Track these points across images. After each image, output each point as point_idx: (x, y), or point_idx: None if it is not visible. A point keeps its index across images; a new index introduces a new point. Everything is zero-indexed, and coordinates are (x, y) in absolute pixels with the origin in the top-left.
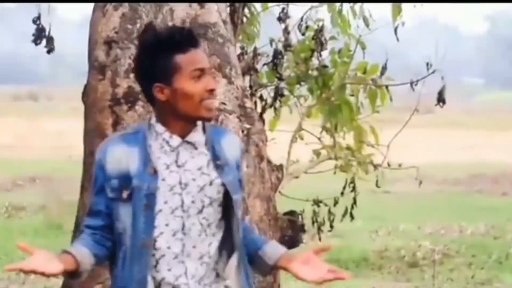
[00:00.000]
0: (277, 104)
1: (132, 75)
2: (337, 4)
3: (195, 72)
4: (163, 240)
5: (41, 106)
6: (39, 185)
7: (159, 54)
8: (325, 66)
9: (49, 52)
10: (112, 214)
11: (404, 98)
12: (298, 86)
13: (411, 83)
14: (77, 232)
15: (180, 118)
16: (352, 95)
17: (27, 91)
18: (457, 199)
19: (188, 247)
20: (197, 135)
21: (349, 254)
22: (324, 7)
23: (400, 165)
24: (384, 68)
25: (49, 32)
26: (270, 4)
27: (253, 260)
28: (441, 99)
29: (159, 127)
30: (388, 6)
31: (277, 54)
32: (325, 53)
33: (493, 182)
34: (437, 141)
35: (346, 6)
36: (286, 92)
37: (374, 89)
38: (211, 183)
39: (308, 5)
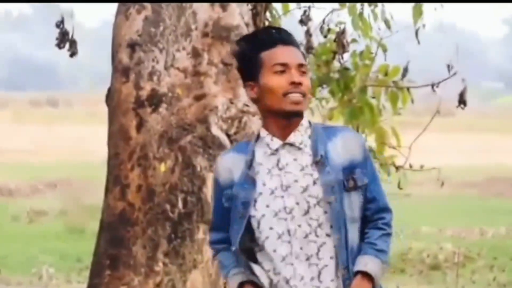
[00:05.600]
0: None
1: (155, 78)
2: (358, 7)
3: (277, 66)
4: (269, 244)
5: (60, 112)
6: (59, 190)
7: (248, 54)
8: (347, 69)
9: (72, 55)
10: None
11: (424, 101)
12: (319, 88)
13: (432, 85)
14: (101, 232)
15: (272, 115)
16: (373, 98)
17: (46, 97)
18: (475, 202)
19: (295, 249)
20: (299, 136)
21: None
22: (345, 10)
23: (422, 167)
24: (406, 71)
25: (72, 36)
26: (291, 7)
27: None
28: (462, 101)
29: (263, 131)
30: (409, 9)
31: None
32: (346, 56)
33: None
34: (456, 144)
35: (367, 9)
36: None
37: (395, 91)
38: (314, 183)
39: (329, 7)
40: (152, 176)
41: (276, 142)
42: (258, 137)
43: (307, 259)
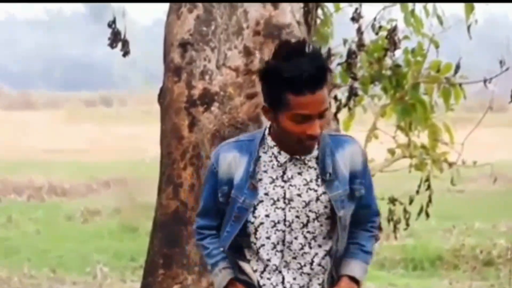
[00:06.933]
0: (351, 104)
1: (207, 77)
2: (410, 4)
3: (299, 116)
4: (264, 252)
5: (114, 111)
6: (114, 189)
7: (276, 86)
8: (399, 66)
9: (124, 55)
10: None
11: (476, 97)
12: (372, 85)
13: (485, 81)
14: (155, 231)
15: (284, 141)
16: (425, 94)
17: (100, 96)
18: None
19: (287, 258)
20: None
21: (424, 253)
22: (397, 6)
23: (474, 163)
24: (458, 67)
25: (124, 35)
26: (343, 5)
27: None
28: None
29: (270, 141)
30: (460, 4)
31: (350, 54)
32: (398, 53)
33: None
34: (510, 139)
35: (419, 5)
36: (360, 92)
37: (448, 88)
38: (317, 199)
39: (381, 5)
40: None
41: (284, 156)
42: (262, 139)
43: (300, 268)
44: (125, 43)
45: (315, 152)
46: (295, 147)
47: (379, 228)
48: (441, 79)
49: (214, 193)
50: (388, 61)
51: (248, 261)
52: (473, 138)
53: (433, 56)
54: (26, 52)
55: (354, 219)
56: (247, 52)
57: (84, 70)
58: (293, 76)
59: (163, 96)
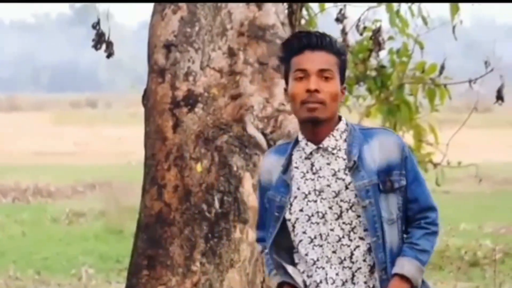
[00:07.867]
0: None
1: (191, 78)
2: (395, 4)
3: (298, 72)
4: (302, 247)
5: (99, 113)
6: (99, 191)
7: (283, 58)
8: (383, 66)
9: (108, 56)
10: None
11: (462, 98)
12: (356, 86)
13: (470, 82)
14: (139, 233)
15: (300, 121)
16: (410, 95)
17: (86, 98)
18: None
19: (327, 253)
20: (333, 140)
21: None
22: (382, 7)
23: (459, 163)
24: (443, 67)
25: (108, 37)
26: (327, 5)
27: None
28: (500, 97)
29: (299, 135)
30: (446, 6)
31: None
32: (383, 53)
33: None
34: (496, 140)
35: (404, 6)
36: None
37: (433, 88)
38: (346, 188)
39: (365, 5)
40: (189, 176)
41: (310, 147)
42: (296, 140)
43: (341, 262)
44: (109, 45)
45: (342, 142)
46: (302, 112)
47: (436, 224)
48: (426, 80)
49: (262, 202)
50: (373, 62)
51: (296, 264)
52: (458, 139)
53: (418, 57)
54: (12, 56)
55: (406, 216)
56: (231, 53)
57: (70, 72)
58: (293, 41)
59: (147, 98)
